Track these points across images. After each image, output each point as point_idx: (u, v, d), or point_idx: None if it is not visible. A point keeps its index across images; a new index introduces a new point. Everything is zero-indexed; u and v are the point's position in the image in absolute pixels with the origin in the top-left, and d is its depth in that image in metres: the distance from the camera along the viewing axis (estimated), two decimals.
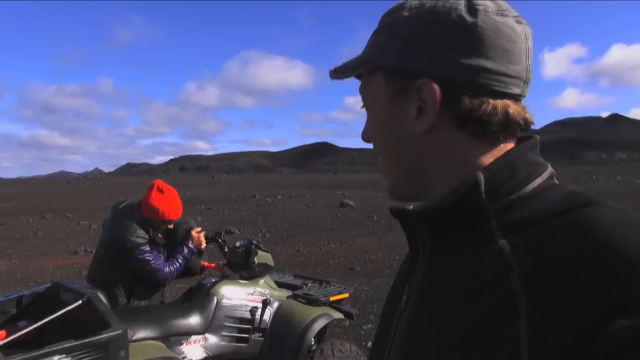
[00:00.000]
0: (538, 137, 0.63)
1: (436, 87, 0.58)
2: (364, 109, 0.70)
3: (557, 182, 0.60)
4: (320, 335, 3.32)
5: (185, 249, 3.21)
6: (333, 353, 3.06)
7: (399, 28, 0.61)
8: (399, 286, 0.69)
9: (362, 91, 0.68)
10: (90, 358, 2.10)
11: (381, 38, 0.63)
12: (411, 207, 0.62)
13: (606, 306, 0.42)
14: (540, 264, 0.48)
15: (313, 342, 3.17)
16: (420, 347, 0.57)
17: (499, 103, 0.58)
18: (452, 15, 0.58)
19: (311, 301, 3.27)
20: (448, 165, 0.61)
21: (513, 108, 0.59)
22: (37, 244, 12.30)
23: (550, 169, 0.61)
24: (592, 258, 0.45)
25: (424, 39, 0.59)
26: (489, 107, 0.58)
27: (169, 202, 3.05)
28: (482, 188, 0.57)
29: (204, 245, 3.35)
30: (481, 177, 0.57)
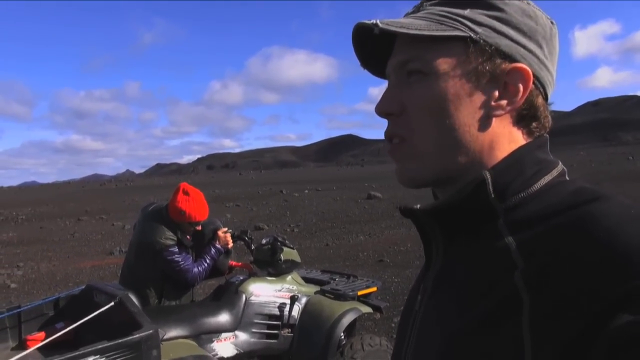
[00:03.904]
0: (547, 135, 0.64)
1: (532, 75, 0.59)
2: (396, 76, 0.62)
3: (567, 178, 0.60)
4: (350, 329, 3.33)
5: (212, 249, 3.25)
6: (363, 347, 3.06)
7: (491, 8, 0.59)
8: (416, 286, 0.70)
9: (424, 56, 0.59)
10: (123, 358, 2.16)
11: (464, 11, 0.59)
12: (418, 206, 0.61)
13: (608, 302, 0.42)
14: (543, 260, 0.48)
15: (342, 337, 3.18)
16: (428, 344, 0.58)
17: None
18: (543, 17, 0.61)
19: (339, 296, 3.28)
20: (494, 155, 0.60)
21: None
22: (75, 246, 12.73)
23: (560, 166, 0.61)
24: (593, 254, 0.45)
25: (519, 29, 0.59)
26: (547, 110, 0.63)
27: (195, 204, 3.09)
28: (490, 187, 0.57)
29: (230, 244, 3.39)
30: (488, 175, 0.57)
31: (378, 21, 0.58)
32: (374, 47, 0.65)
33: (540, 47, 0.61)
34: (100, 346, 2.12)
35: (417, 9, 0.63)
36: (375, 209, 16.82)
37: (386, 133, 0.64)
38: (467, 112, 0.58)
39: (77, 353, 2.06)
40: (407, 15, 0.64)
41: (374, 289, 3.50)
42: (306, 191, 29.22)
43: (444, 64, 0.58)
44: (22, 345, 2.73)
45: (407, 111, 0.61)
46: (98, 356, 2.10)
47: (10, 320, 2.85)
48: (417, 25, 0.58)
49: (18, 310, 2.86)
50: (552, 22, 0.63)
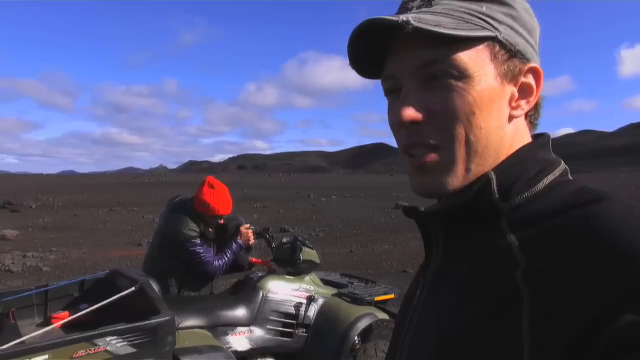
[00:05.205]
0: (550, 134, 0.64)
1: (542, 73, 0.60)
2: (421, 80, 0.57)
3: (570, 178, 0.59)
4: (366, 334, 3.32)
5: (234, 244, 3.30)
6: (376, 353, 3.04)
7: (504, 5, 0.58)
8: (415, 283, 0.69)
9: (452, 58, 0.55)
10: (140, 341, 2.23)
11: (482, 8, 0.57)
12: (423, 208, 0.62)
13: (610, 302, 0.41)
14: (545, 259, 0.48)
15: (357, 341, 3.16)
16: (426, 340, 0.58)
17: None
18: (534, 14, 0.62)
19: (356, 300, 3.27)
20: (509, 152, 0.60)
21: None
22: (106, 235, 13.10)
23: (563, 166, 0.60)
24: (596, 253, 0.44)
25: (526, 27, 0.59)
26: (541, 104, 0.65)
27: (219, 198, 3.15)
28: (495, 187, 0.56)
29: (252, 241, 3.43)
30: (493, 176, 0.57)
31: (410, 18, 0.53)
32: (369, 45, 0.60)
33: (537, 44, 0.62)
34: (118, 328, 2.19)
35: (428, 3, 0.58)
36: (402, 219, 16.63)
37: (408, 143, 0.59)
38: (497, 115, 0.57)
39: (96, 332, 2.14)
40: (409, 9, 0.59)
41: (392, 296, 3.48)
42: (334, 197, 29.22)
43: (475, 65, 0.55)
44: (47, 323, 2.84)
45: (436, 117, 0.57)
46: (116, 337, 2.17)
47: (38, 298, 2.97)
48: (447, 24, 0.54)
49: (45, 289, 2.98)
50: None
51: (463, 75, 0.55)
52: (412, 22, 0.53)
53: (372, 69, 0.63)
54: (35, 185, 47.02)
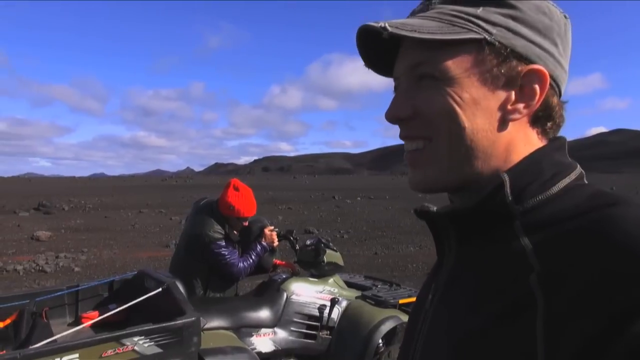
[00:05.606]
0: (566, 137, 0.62)
1: (549, 77, 0.57)
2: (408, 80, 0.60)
3: (585, 182, 0.59)
4: (390, 337, 3.30)
5: (258, 246, 3.34)
6: None
7: (505, 6, 0.57)
8: (427, 285, 0.69)
9: (436, 60, 0.57)
10: (166, 341, 2.27)
11: (477, 10, 0.57)
12: (435, 209, 0.61)
13: (626, 306, 0.41)
14: (560, 263, 0.47)
15: (381, 344, 3.15)
16: (438, 344, 0.58)
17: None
18: (557, 12, 0.59)
19: (380, 302, 3.27)
20: (511, 159, 0.59)
21: None
22: (135, 237, 13.38)
23: (578, 170, 0.59)
24: (612, 256, 0.44)
25: (534, 27, 0.57)
26: (561, 108, 0.61)
27: (243, 200, 3.19)
28: (508, 190, 0.56)
29: (276, 243, 3.46)
30: (506, 178, 0.56)
31: (387, 24, 0.55)
32: (379, 45, 0.61)
33: (556, 44, 0.59)
34: (145, 328, 2.24)
35: (426, 7, 0.61)
36: None
37: (401, 136, 0.62)
38: (484, 117, 0.57)
39: (123, 332, 2.19)
40: (414, 13, 0.62)
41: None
42: (358, 198, 29.16)
43: (457, 68, 0.56)
44: (77, 322, 2.92)
45: (421, 115, 0.59)
46: (143, 337, 2.22)
47: (69, 297, 3.06)
48: (428, 28, 0.55)
49: (76, 289, 3.07)
50: (565, 17, 0.60)
51: (445, 76, 0.57)
52: (388, 28, 0.55)
53: (387, 68, 0.66)
54: (67, 188, 48.54)
